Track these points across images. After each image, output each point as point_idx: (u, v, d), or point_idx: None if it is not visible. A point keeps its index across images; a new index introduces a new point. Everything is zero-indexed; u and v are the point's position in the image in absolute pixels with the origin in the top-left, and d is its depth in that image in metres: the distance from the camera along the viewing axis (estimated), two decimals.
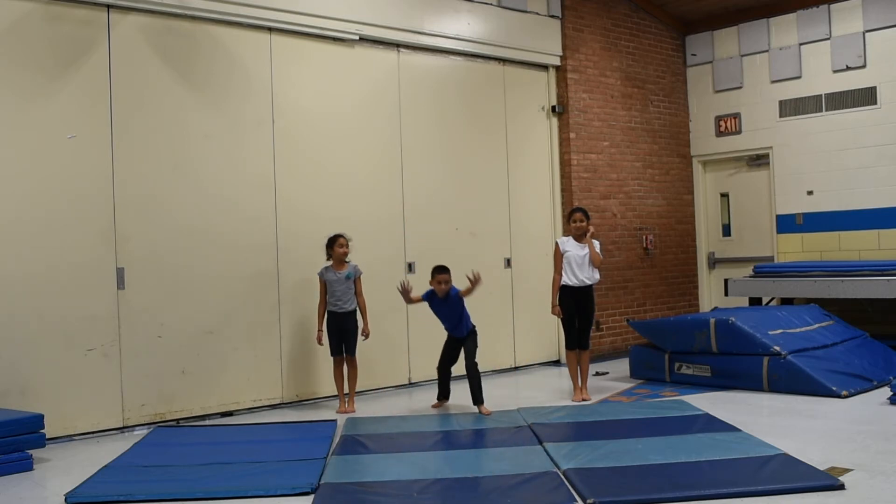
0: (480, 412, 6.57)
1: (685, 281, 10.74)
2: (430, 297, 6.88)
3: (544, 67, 9.45)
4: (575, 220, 7.21)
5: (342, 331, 6.94)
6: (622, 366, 8.68)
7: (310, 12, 7.45)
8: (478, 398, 6.63)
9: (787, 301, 9.33)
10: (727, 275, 10.52)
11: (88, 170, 6.31)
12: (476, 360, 6.73)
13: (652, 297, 10.22)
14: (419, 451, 5.41)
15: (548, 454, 5.07)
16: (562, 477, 4.59)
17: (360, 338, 7.02)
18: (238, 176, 7.07)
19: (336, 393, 7.12)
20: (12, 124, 5.99)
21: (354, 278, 6.99)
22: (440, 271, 6.73)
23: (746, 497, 4.14)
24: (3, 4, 5.98)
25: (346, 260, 6.99)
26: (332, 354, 7.02)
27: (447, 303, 6.76)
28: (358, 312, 7.02)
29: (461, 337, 6.85)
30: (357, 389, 7.29)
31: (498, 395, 7.61)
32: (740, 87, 10.42)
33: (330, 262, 6.99)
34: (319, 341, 6.98)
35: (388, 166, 8.07)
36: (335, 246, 6.93)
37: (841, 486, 4.21)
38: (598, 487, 4.28)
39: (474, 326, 6.90)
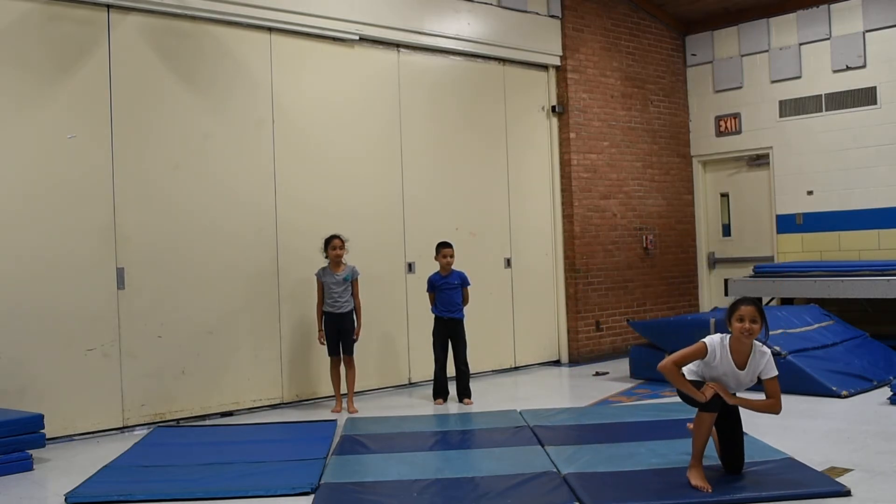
0: (464, 403, 7.17)
1: (685, 281, 10.74)
2: (433, 285, 7.23)
3: (544, 67, 9.45)
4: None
5: (339, 331, 6.95)
6: (622, 366, 8.68)
7: (310, 12, 7.44)
8: (466, 392, 7.24)
9: (787, 301, 9.33)
10: (727, 275, 10.52)
11: (88, 170, 6.31)
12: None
13: (652, 297, 10.22)
14: (419, 451, 5.40)
15: (549, 458, 5.04)
16: (562, 478, 4.58)
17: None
18: (238, 176, 7.07)
19: (332, 393, 7.14)
20: (12, 124, 5.99)
21: (352, 280, 6.98)
22: (445, 246, 7.23)
23: (752, 503, 4.12)
24: (3, 4, 5.98)
25: (343, 261, 6.98)
26: (329, 354, 7.02)
27: (450, 280, 7.17)
28: (354, 313, 7.03)
29: (459, 319, 7.21)
30: (357, 389, 7.29)
31: (498, 395, 7.62)
32: (740, 87, 10.42)
33: (327, 264, 6.98)
34: (321, 341, 6.99)
35: (388, 167, 8.07)
36: (329, 248, 6.93)
37: (847, 493, 4.15)
38: (599, 493, 4.25)
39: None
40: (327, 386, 7.27)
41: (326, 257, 6.98)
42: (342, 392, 7.05)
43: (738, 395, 4.43)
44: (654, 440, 5.36)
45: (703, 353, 4.36)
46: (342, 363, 7.01)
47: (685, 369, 4.43)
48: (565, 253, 9.46)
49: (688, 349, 4.39)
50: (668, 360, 4.37)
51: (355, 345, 7.03)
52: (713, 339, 4.38)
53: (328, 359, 7.05)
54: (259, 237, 7.18)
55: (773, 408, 4.41)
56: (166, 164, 6.69)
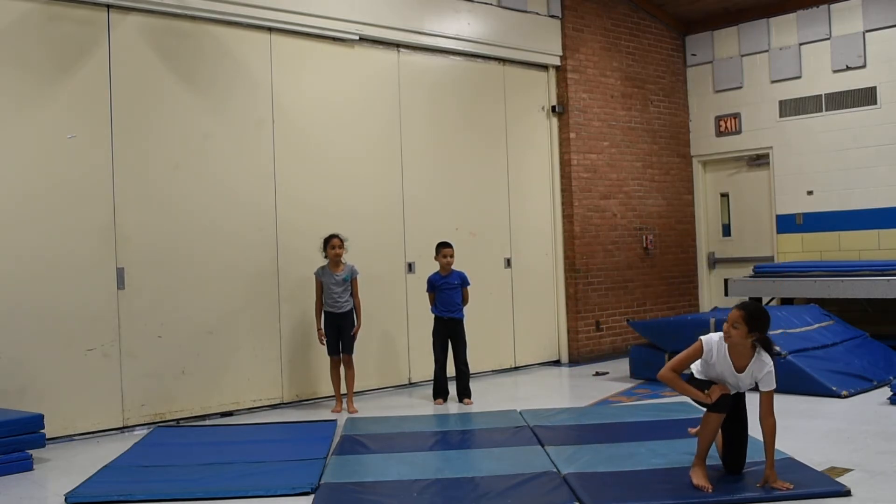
0: (464, 403, 7.17)
1: (685, 281, 10.74)
2: (433, 285, 7.23)
3: (544, 67, 9.45)
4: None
5: (340, 331, 6.95)
6: (622, 366, 8.68)
7: (310, 12, 7.44)
8: (466, 392, 7.23)
9: (787, 301, 9.33)
10: (727, 275, 10.52)
11: (88, 170, 6.31)
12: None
13: (652, 297, 10.22)
14: (419, 451, 5.41)
15: (549, 458, 5.04)
16: (562, 478, 4.58)
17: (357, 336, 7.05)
18: (238, 176, 7.07)
19: (333, 393, 7.14)
20: (12, 124, 5.99)
21: (351, 279, 6.99)
22: (445, 246, 7.22)
23: (752, 503, 4.13)
24: (3, 4, 5.97)
25: (343, 261, 6.98)
26: (329, 354, 7.02)
27: (450, 281, 7.17)
28: (354, 311, 7.03)
29: (459, 318, 7.21)
30: (357, 389, 7.29)
31: (498, 395, 7.62)
32: (740, 87, 10.42)
33: (327, 263, 6.98)
34: (321, 340, 6.99)
35: (388, 167, 8.07)
36: (328, 247, 6.92)
37: (847, 493, 4.14)
38: (599, 493, 4.25)
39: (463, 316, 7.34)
40: (327, 386, 7.27)
41: (325, 256, 6.98)
42: (342, 392, 7.05)
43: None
44: (654, 440, 5.36)
45: (699, 353, 4.33)
46: (342, 363, 7.01)
47: (692, 367, 4.44)
48: (565, 253, 9.46)
49: (684, 352, 4.38)
50: (666, 367, 4.37)
51: (366, 342, 7.03)
52: (710, 338, 4.35)
53: (328, 359, 7.04)
54: (259, 237, 7.18)
55: (772, 428, 4.25)
56: (166, 164, 6.69)
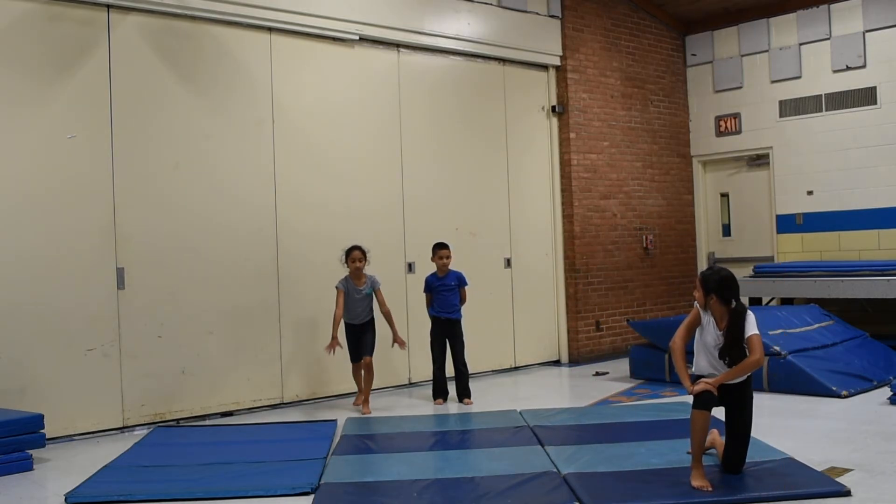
0: (464, 403, 7.16)
1: (685, 281, 10.73)
2: (430, 286, 7.22)
3: (544, 67, 9.45)
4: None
5: (360, 339, 6.98)
6: (622, 366, 8.68)
7: (310, 12, 7.44)
8: (466, 392, 7.22)
9: (787, 301, 9.33)
10: None
11: (88, 170, 6.31)
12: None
13: (652, 297, 10.22)
14: (419, 451, 5.41)
15: (549, 458, 5.04)
16: (562, 478, 4.58)
17: (376, 340, 7.06)
18: (238, 176, 7.07)
19: (355, 389, 7.22)
20: (12, 124, 5.99)
21: (374, 292, 7.01)
22: (442, 247, 7.21)
23: (752, 503, 4.13)
24: (3, 4, 5.98)
25: (364, 273, 6.94)
26: (352, 361, 7.06)
27: (447, 282, 7.15)
28: (374, 319, 7.05)
29: (457, 319, 7.20)
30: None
31: (498, 395, 7.63)
32: (740, 87, 10.42)
33: (348, 273, 6.96)
34: (331, 350, 6.78)
35: (387, 167, 8.07)
36: (348, 260, 6.91)
37: (847, 493, 4.15)
38: (599, 493, 4.26)
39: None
40: (327, 386, 7.31)
41: (346, 266, 6.94)
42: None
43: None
44: (654, 440, 5.36)
45: (698, 315, 4.64)
46: (362, 366, 6.99)
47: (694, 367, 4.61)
48: (565, 253, 9.46)
49: (686, 319, 4.71)
50: (675, 336, 4.67)
51: (402, 348, 7.20)
52: None
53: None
54: (259, 237, 7.18)
55: (756, 364, 4.44)
56: (166, 163, 6.69)
